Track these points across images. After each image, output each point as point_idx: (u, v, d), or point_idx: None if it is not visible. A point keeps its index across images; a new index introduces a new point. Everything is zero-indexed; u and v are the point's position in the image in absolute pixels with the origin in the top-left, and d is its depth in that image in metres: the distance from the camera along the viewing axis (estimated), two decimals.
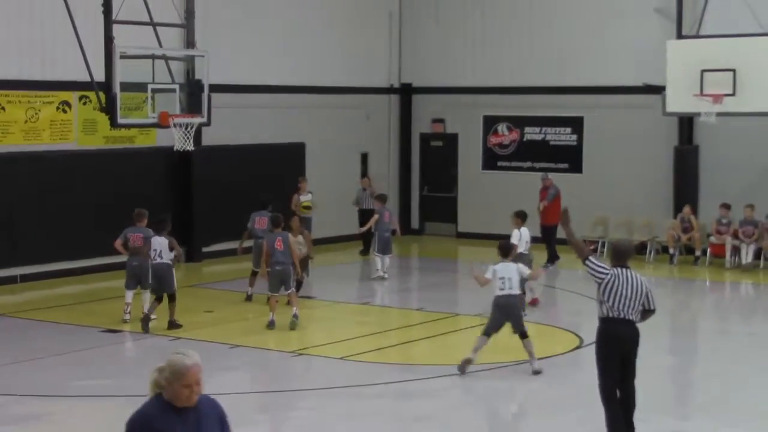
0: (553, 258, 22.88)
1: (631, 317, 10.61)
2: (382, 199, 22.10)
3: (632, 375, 10.80)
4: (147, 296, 17.23)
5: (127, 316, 17.22)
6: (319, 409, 13.01)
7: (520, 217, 17.56)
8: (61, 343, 15.84)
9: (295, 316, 16.79)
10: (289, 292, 16.95)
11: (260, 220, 19.13)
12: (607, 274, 10.61)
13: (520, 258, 17.33)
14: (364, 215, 23.71)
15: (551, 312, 18.69)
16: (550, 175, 23.89)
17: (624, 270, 10.66)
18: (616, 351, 10.67)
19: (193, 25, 19.62)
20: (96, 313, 17.99)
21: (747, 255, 22.85)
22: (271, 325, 16.78)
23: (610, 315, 10.62)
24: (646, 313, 10.79)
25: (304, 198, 23.03)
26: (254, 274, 18.88)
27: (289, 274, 16.83)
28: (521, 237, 17.36)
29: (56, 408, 12.87)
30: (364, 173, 27.07)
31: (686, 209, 23.75)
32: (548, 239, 22.91)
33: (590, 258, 10.78)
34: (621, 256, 10.80)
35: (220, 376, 14.49)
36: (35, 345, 15.73)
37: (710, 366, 15.26)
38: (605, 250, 24.34)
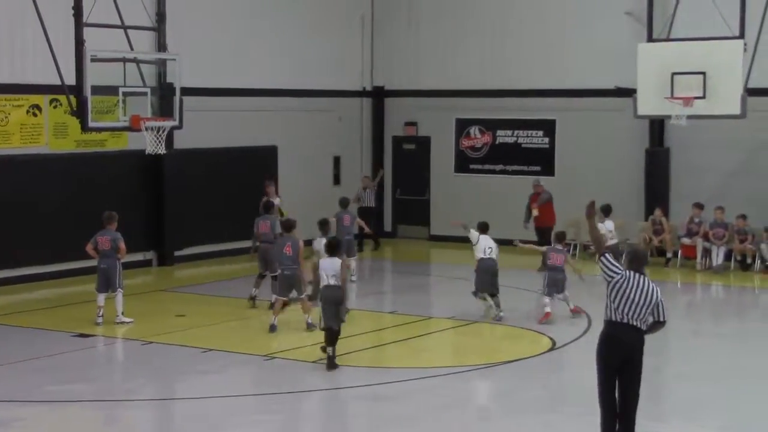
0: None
1: (636, 323, 10.33)
2: (343, 203, 22.01)
3: (635, 382, 10.47)
4: (119, 298, 17.24)
5: (100, 320, 17.19)
6: (292, 412, 12.99)
7: (479, 227, 18.23)
8: (31, 348, 15.74)
9: (309, 324, 16.67)
10: (301, 297, 16.81)
11: (263, 224, 19.06)
12: (619, 274, 10.36)
13: (481, 263, 17.84)
14: (365, 213, 25.07)
15: (524, 314, 18.73)
16: (542, 181, 24.27)
17: (637, 275, 10.40)
18: (616, 356, 10.41)
19: (164, 29, 19.55)
20: (68, 318, 17.90)
21: (717, 257, 22.99)
22: (272, 329, 16.74)
23: (614, 318, 10.38)
24: (656, 324, 10.51)
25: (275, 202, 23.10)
26: (261, 277, 18.81)
27: (298, 279, 16.73)
28: (479, 241, 17.95)
29: (26, 413, 12.77)
30: (373, 173, 27.70)
31: (657, 211, 23.90)
32: (545, 242, 23.34)
33: (606, 255, 10.52)
34: (637, 260, 10.56)
35: (193, 380, 14.47)
36: (5, 350, 15.59)
37: (682, 366, 15.33)
38: (577, 252, 24.53)
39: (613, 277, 10.38)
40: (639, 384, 10.55)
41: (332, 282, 14.46)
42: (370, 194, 26.19)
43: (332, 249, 14.80)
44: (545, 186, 24.18)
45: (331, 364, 14.41)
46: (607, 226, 20.37)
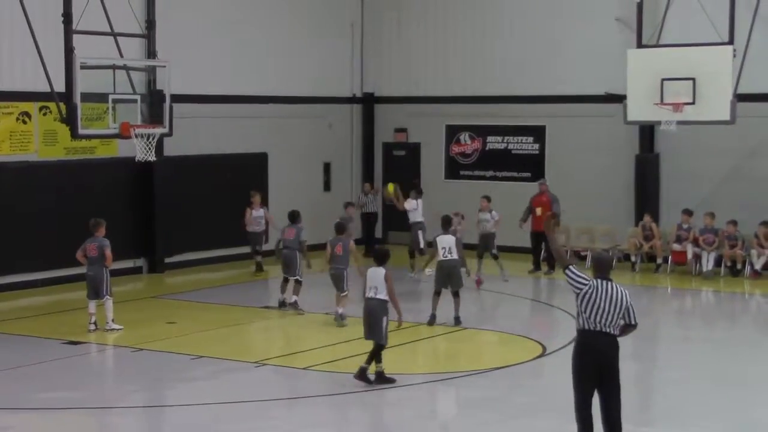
0: (550, 264, 23.48)
1: (608, 330, 10.38)
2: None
3: (615, 389, 10.49)
4: (109, 305, 17.24)
5: (92, 326, 17.20)
6: (284, 419, 12.96)
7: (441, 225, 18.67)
8: (21, 356, 15.70)
9: (339, 315, 17.73)
10: (343, 294, 17.84)
11: (289, 231, 19.24)
12: (586, 284, 10.42)
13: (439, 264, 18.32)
14: (368, 218, 26.41)
15: (516, 320, 18.74)
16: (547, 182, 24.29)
17: (604, 282, 10.46)
18: (592, 364, 10.43)
19: (154, 36, 19.53)
20: (58, 325, 17.87)
21: (707, 263, 23.02)
22: (340, 318, 17.72)
23: (587, 327, 10.41)
24: (627, 327, 10.57)
25: (257, 214, 23.11)
26: (286, 281, 19.16)
27: (342, 278, 17.78)
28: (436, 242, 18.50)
29: (16, 421, 12.74)
30: (369, 179, 27.77)
31: (647, 217, 23.93)
32: (539, 246, 23.56)
33: (570, 267, 10.57)
34: (602, 267, 10.62)
35: (183, 387, 14.44)
36: None
37: (671, 372, 15.35)
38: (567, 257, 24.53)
39: (581, 289, 10.45)
40: (619, 389, 10.57)
41: (370, 294, 14.26)
42: (372, 200, 26.64)
43: (377, 258, 14.59)
44: (550, 187, 24.05)
45: (381, 379, 14.03)
46: (493, 216, 22.25)
